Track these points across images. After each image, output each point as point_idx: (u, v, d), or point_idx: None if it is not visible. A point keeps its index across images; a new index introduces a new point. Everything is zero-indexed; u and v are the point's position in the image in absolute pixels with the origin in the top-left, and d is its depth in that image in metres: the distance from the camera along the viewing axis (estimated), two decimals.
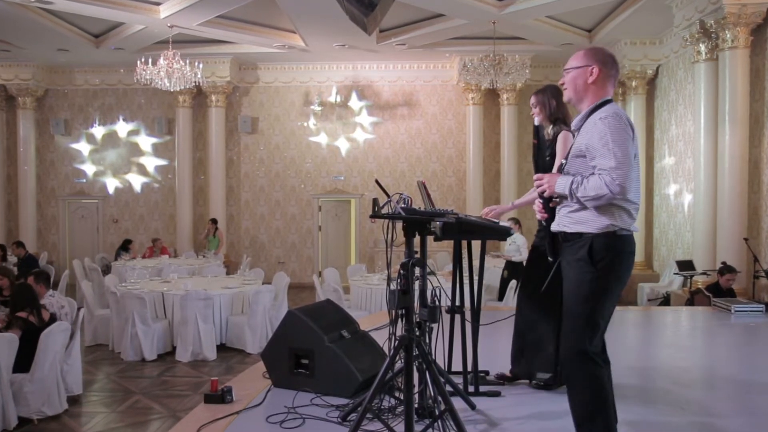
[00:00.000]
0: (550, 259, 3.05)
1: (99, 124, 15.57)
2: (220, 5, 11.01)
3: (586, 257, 2.80)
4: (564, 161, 2.98)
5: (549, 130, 4.03)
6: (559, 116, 3.98)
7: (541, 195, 3.02)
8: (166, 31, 12.05)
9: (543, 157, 4.06)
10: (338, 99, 15.10)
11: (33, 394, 5.80)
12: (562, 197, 2.93)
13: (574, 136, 3.04)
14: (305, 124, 15.26)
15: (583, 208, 2.84)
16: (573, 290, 2.85)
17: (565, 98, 3.08)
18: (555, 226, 2.99)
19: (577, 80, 2.96)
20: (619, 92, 13.11)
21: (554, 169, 3.69)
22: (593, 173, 2.79)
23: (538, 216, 3.05)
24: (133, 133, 15.56)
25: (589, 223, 2.83)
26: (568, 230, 2.90)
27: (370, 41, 12.60)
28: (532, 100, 4.13)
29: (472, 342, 3.79)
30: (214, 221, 14.30)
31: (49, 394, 5.91)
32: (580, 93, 2.97)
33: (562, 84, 3.04)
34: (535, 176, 3.08)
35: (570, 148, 3.00)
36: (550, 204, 3.01)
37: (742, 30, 9.16)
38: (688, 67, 11.26)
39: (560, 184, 2.88)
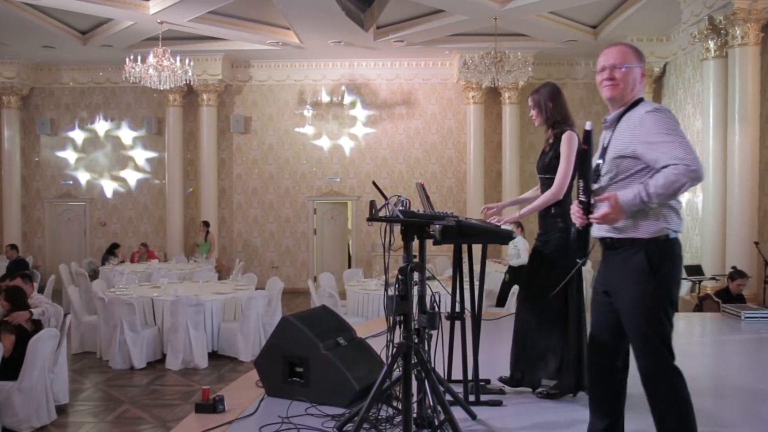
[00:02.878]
0: (577, 260, 2.92)
1: (86, 124, 15.22)
2: (211, 1, 10.80)
3: (645, 266, 2.67)
4: (601, 161, 2.82)
5: (548, 132, 3.94)
6: (558, 118, 3.87)
7: (586, 203, 2.77)
8: (155, 28, 11.83)
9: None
10: (334, 98, 14.82)
11: (22, 404, 5.67)
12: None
13: (595, 135, 2.86)
14: (300, 124, 14.97)
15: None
16: (636, 305, 2.71)
17: (608, 95, 2.86)
18: (597, 232, 2.84)
19: (636, 79, 2.84)
20: None
21: (567, 171, 3.74)
22: (657, 170, 2.60)
23: (577, 222, 2.84)
24: (122, 132, 15.22)
25: (641, 228, 2.70)
26: (617, 236, 2.75)
27: (367, 38, 12.39)
28: (529, 101, 4.00)
29: (473, 349, 3.76)
30: (206, 224, 13.99)
31: (38, 404, 5.79)
32: (631, 92, 2.84)
33: (612, 79, 2.81)
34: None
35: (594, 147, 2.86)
36: (590, 209, 2.77)
37: (753, 26, 9.04)
38: (697, 64, 11.09)
39: (627, 201, 2.61)
